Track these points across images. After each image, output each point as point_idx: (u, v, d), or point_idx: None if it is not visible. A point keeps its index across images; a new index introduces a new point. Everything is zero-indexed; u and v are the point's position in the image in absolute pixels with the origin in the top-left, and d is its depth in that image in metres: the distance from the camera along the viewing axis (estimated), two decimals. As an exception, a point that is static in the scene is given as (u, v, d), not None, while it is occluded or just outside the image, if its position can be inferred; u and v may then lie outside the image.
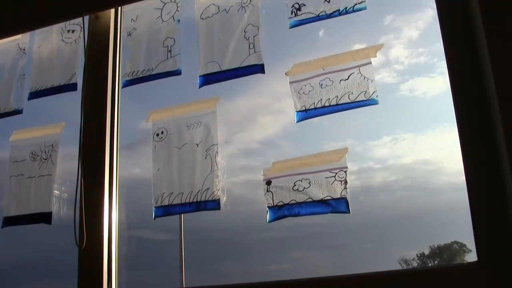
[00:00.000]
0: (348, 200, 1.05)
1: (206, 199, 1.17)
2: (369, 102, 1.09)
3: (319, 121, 1.12)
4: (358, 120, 1.18)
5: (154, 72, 1.31)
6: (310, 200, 1.08)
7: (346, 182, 1.06)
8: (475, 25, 0.99)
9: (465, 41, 1.01)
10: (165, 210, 1.22)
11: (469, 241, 0.94)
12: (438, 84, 1.04)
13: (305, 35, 1.20)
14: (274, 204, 1.11)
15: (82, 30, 1.42)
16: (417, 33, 1.34)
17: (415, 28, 1.34)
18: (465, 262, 1.01)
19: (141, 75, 1.33)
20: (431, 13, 1.05)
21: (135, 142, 1.45)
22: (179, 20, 1.34)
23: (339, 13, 1.14)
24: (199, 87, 1.25)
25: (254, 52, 1.20)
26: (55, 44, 1.48)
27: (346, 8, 1.14)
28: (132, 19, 1.40)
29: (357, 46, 1.15)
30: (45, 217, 1.34)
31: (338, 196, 1.06)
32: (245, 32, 1.23)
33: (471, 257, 0.94)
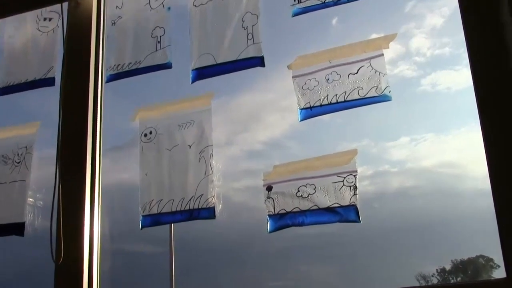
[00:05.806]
0: (358, 208, 1.00)
1: (200, 206, 1.13)
2: (381, 98, 1.05)
3: (330, 119, 1.09)
4: (373, 118, 1.13)
5: (141, 66, 1.28)
6: (315, 207, 1.04)
7: (355, 188, 1.01)
8: (499, 11, 0.95)
9: (489, 28, 0.95)
10: (153, 219, 1.18)
11: (497, 255, 0.88)
12: (464, 77, 0.99)
13: (316, 24, 1.15)
14: (276, 212, 1.06)
15: (61, 18, 1.38)
16: (441, 20, 1.28)
17: (439, 15, 1.28)
18: (492, 278, 0.97)
19: (127, 69, 1.30)
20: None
21: (123, 144, 1.40)
22: (169, 8, 1.31)
23: (347, -1, 1.11)
24: (192, 82, 1.22)
25: (253, 43, 1.16)
26: (29, 34, 1.44)
27: (355, -7, 1.12)
28: (117, 6, 1.36)
29: (374, 36, 1.11)
30: (17, 228, 1.30)
31: (347, 203, 1.01)
32: (243, 21, 1.20)
33: (499, 273, 0.89)
